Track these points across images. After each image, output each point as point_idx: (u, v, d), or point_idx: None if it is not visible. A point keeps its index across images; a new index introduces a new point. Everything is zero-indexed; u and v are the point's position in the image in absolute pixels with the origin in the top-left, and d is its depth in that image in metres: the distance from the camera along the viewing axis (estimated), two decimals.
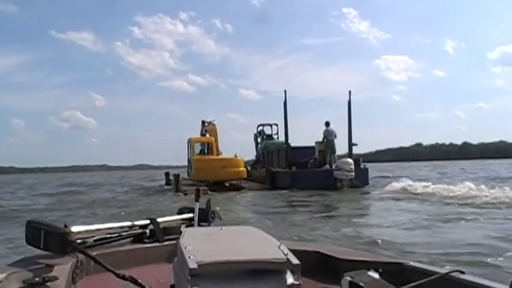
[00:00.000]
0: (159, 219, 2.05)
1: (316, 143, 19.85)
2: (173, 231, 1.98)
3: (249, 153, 28.03)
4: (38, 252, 1.49)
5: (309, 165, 19.17)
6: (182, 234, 1.23)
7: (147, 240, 1.93)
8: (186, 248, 1.08)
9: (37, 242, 1.45)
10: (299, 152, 20.43)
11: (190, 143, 21.25)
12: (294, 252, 1.12)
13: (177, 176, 20.00)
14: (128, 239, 1.93)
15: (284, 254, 1.08)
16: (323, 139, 19.13)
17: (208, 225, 2.14)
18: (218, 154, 21.37)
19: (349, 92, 19.94)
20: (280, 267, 1.06)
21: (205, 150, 21.21)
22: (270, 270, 1.06)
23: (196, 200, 2.16)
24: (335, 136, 19.18)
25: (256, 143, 27.91)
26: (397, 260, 1.59)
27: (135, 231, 1.97)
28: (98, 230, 1.86)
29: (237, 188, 19.73)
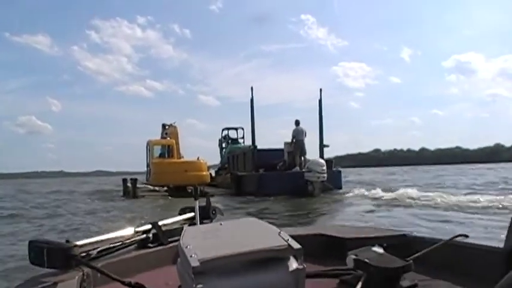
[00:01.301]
0: (160, 222, 2.01)
1: (285, 143, 18.47)
2: (176, 232, 1.94)
3: (209, 159, 26.61)
4: (44, 270, 1.50)
5: (278, 168, 17.73)
6: (182, 234, 1.21)
7: (151, 245, 1.90)
8: (187, 247, 1.09)
9: (41, 261, 1.48)
10: (267, 154, 18.97)
11: (149, 145, 19.63)
12: (297, 237, 1.13)
13: (134, 181, 18.30)
14: (132, 246, 1.88)
15: (285, 240, 1.09)
16: (292, 139, 17.82)
17: (211, 221, 2.11)
18: (179, 157, 19.78)
19: (320, 90, 18.92)
20: (282, 253, 1.08)
21: (166, 154, 19.59)
22: (272, 258, 1.08)
23: (195, 199, 2.12)
24: (305, 135, 17.92)
25: (221, 148, 26.43)
26: (400, 232, 1.63)
27: (138, 237, 1.93)
28: (101, 241, 1.80)
29: (200, 194, 18.11)
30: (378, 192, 15.20)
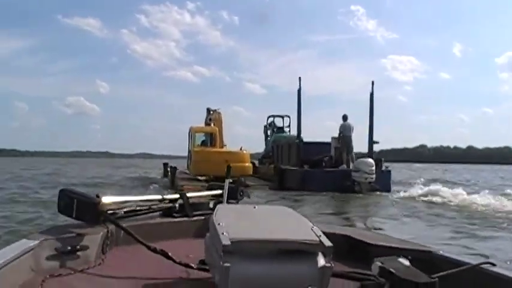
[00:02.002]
0: (188, 194, 2.05)
1: (332, 138, 17.49)
2: (202, 207, 2.02)
3: (254, 147, 25.90)
4: (69, 220, 1.56)
5: (324, 164, 16.79)
6: (215, 210, 1.25)
7: (176, 215, 1.94)
8: (219, 224, 1.11)
9: (70, 211, 1.54)
10: (313, 148, 18.07)
11: (191, 132, 18.97)
12: (325, 235, 1.16)
13: (173, 169, 17.82)
14: (158, 213, 1.94)
15: (317, 235, 1.12)
16: (339, 134, 16.80)
17: (237, 202, 2.17)
18: (222, 146, 19.10)
19: (372, 82, 17.65)
20: (313, 248, 1.10)
21: (208, 142, 18.95)
22: (302, 251, 1.10)
23: (227, 177, 2.18)
24: (352, 131, 16.86)
25: (266, 136, 25.60)
26: (427, 248, 1.61)
27: (165, 205, 1.98)
28: (129, 201, 1.89)
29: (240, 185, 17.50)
30: (444, 194, 13.71)
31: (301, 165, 16.80)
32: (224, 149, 18.79)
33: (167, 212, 1.97)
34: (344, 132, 16.67)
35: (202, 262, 1.34)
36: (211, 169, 17.43)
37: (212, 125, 19.52)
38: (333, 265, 1.10)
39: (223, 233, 1.06)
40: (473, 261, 1.38)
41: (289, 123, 24.51)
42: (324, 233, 1.18)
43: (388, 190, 15.84)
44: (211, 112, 20.45)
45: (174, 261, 1.38)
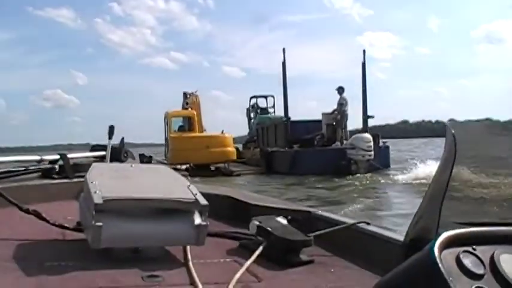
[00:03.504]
0: (70, 155, 2.02)
1: (323, 114, 15.81)
2: (84, 168, 1.81)
3: (236, 131, 24.18)
4: None
5: (315, 143, 15.10)
6: (90, 168, 1.23)
7: (56, 176, 1.91)
8: (92, 182, 1.09)
9: None
10: (301, 127, 16.37)
11: (167, 117, 17.12)
12: (206, 195, 1.19)
13: (149, 158, 16.03)
14: (36, 174, 1.90)
15: (193, 194, 1.13)
16: (335, 110, 15.14)
17: (121, 163, 2.06)
18: (201, 131, 17.27)
19: (363, 51, 16.37)
20: (188, 207, 1.11)
21: (186, 127, 17.14)
22: (177, 209, 1.10)
23: (110, 138, 2.16)
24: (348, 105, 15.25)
25: (249, 118, 23.81)
26: (306, 208, 1.67)
27: (44, 166, 1.96)
28: (3, 162, 1.92)
29: (224, 173, 15.74)
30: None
31: (290, 146, 15.09)
32: (204, 134, 17.01)
33: (46, 173, 1.89)
34: (343, 107, 15.02)
35: (79, 223, 1.29)
36: (191, 156, 15.69)
37: (190, 109, 17.69)
38: (208, 223, 1.11)
39: (95, 192, 1.03)
40: (351, 220, 1.43)
41: (274, 103, 22.87)
42: (205, 193, 1.23)
43: (388, 166, 14.36)
44: (188, 96, 18.62)
45: (48, 222, 1.34)
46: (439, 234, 0.69)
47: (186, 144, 15.80)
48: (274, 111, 22.52)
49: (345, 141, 14.70)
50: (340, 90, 15.14)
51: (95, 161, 2.08)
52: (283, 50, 15.75)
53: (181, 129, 17.06)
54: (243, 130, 24.77)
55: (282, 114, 17.57)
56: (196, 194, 1.11)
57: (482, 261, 0.67)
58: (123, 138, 2.28)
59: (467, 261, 0.65)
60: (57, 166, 1.92)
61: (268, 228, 1.19)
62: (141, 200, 1.06)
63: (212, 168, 16.36)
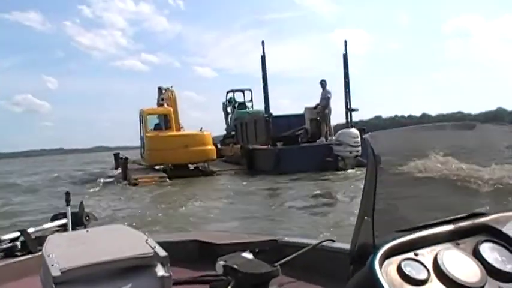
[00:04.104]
0: (30, 230, 1.98)
1: (306, 109, 15.25)
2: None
3: (212, 131, 23.54)
4: None
5: (300, 140, 14.52)
6: (46, 242, 1.20)
7: (18, 253, 1.86)
8: (49, 256, 1.08)
9: None
10: (282, 122, 15.71)
11: (142, 115, 16.21)
12: (169, 243, 1.23)
13: (124, 160, 15.20)
14: None
15: (151, 247, 1.10)
16: (318, 104, 14.57)
17: (84, 228, 2.09)
18: (179, 129, 16.44)
19: (345, 42, 15.74)
20: (148, 261, 1.08)
21: (163, 125, 16.30)
22: (138, 266, 1.07)
23: (67, 204, 2.13)
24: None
25: (226, 114, 23.10)
26: (271, 237, 1.68)
27: (4, 246, 1.89)
28: None
29: (205, 173, 15.04)
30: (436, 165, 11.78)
31: (273, 143, 14.46)
32: (182, 132, 16.22)
33: (8, 252, 1.86)
34: (326, 101, 14.43)
35: None
36: (168, 156, 14.90)
37: (165, 105, 16.83)
38: (171, 274, 1.09)
39: (52, 265, 1.02)
40: (316, 241, 1.45)
41: (251, 97, 22.21)
42: (170, 241, 1.31)
43: None
44: (163, 91, 17.74)
45: None
46: (378, 248, 0.70)
47: (164, 144, 15.00)
48: (252, 105, 21.90)
49: (329, 137, 14.20)
50: (323, 83, 14.54)
51: (57, 231, 2.08)
52: (262, 42, 14.96)
53: (157, 127, 16.21)
54: (218, 130, 24.09)
55: (260, 108, 17.06)
56: (155, 247, 1.10)
57: (425, 266, 0.69)
58: (81, 202, 2.22)
59: (409, 269, 0.67)
60: (18, 243, 1.87)
61: (235, 266, 1.18)
62: (100, 264, 1.03)
63: (191, 167, 15.66)
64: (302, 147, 13.96)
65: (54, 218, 2.25)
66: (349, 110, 15.29)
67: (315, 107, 14.72)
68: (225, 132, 22.69)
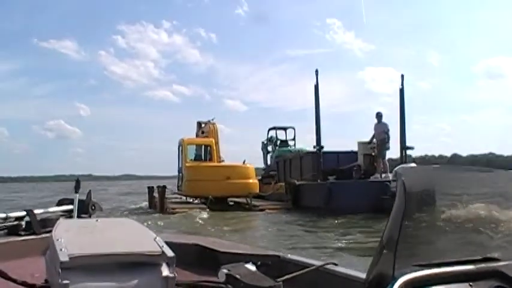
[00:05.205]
0: (36, 211, 2.00)
1: (359, 144, 14.15)
2: (51, 223, 1.85)
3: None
4: None
5: (353, 175, 13.37)
6: (56, 225, 1.21)
7: (22, 233, 1.89)
8: (58, 240, 1.07)
9: None
10: (330, 157, 14.51)
11: (182, 145, 15.39)
12: (174, 245, 1.18)
13: (162, 189, 14.25)
14: (2, 231, 1.90)
15: (159, 246, 1.11)
16: (372, 138, 13.51)
17: (89, 217, 2.09)
18: (219, 161, 15.57)
19: (402, 76, 14.80)
20: (155, 259, 1.08)
21: (203, 156, 15.44)
22: (144, 262, 1.08)
23: (76, 192, 2.13)
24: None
25: (266, 152, 21.99)
26: (274, 252, 1.73)
27: (9, 223, 1.94)
28: None
29: (246, 208, 13.93)
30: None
31: (324, 178, 13.29)
32: (223, 163, 15.28)
33: (12, 230, 1.89)
34: (381, 135, 13.36)
35: (47, 281, 1.23)
36: (208, 188, 13.87)
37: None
38: (176, 275, 1.09)
39: (61, 249, 1.02)
40: (319, 262, 1.51)
41: (294, 135, 21.19)
42: (173, 242, 1.24)
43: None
44: (203, 125, 17.02)
45: (14, 281, 1.31)
46: (396, 279, 0.73)
47: (204, 175, 14.07)
48: (294, 144, 20.87)
49: (383, 174, 13.02)
50: (380, 115, 13.54)
51: (62, 216, 2.05)
52: (316, 71, 14.11)
53: (197, 158, 15.37)
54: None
55: (303, 146, 16.11)
56: (163, 246, 1.10)
57: None
58: (89, 191, 2.18)
59: None
60: (23, 222, 1.89)
61: (237, 276, 1.18)
62: (108, 256, 1.03)
63: (230, 203, 14.60)
64: (357, 182, 12.78)
65: (60, 203, 2.22)
66: (404, 148, 14.13)
67: (370, 142, 13.64)
68: (263, 171, 21.59)
